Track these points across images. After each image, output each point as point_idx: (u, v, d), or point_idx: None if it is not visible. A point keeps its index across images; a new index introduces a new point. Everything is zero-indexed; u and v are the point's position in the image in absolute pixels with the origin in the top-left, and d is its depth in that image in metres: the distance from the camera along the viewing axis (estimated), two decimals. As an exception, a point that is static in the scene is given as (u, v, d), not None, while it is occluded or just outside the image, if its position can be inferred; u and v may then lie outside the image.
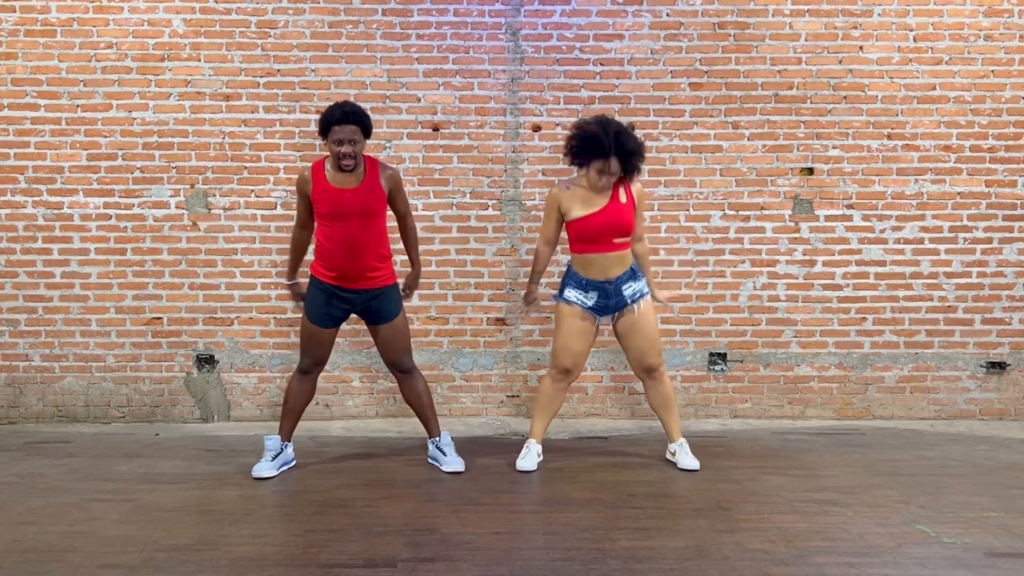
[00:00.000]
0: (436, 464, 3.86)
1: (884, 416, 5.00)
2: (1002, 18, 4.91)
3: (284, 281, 4.01)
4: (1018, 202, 4.97)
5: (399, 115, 4.86)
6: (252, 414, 4.92)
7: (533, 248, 4.90)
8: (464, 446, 4.20)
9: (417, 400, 3.89)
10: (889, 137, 4.94)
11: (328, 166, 3.63)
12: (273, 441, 3.75)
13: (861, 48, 4.92)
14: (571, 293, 3.82)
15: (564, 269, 3.94)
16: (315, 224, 3.73)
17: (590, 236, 3.70)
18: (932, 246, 4.97)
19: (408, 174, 4.87)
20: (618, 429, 4.74)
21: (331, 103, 3.76)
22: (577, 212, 3.70)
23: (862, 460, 4.01)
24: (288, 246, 3.97)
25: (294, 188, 3.88)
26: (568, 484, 3.60)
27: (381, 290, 3.72)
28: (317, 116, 4.80)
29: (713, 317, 4.98)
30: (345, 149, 3.50)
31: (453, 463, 3.78)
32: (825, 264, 4.97)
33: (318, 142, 4.83)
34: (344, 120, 3.50)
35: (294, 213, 4.81)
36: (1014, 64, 4.92)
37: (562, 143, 4.85)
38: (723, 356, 4.99)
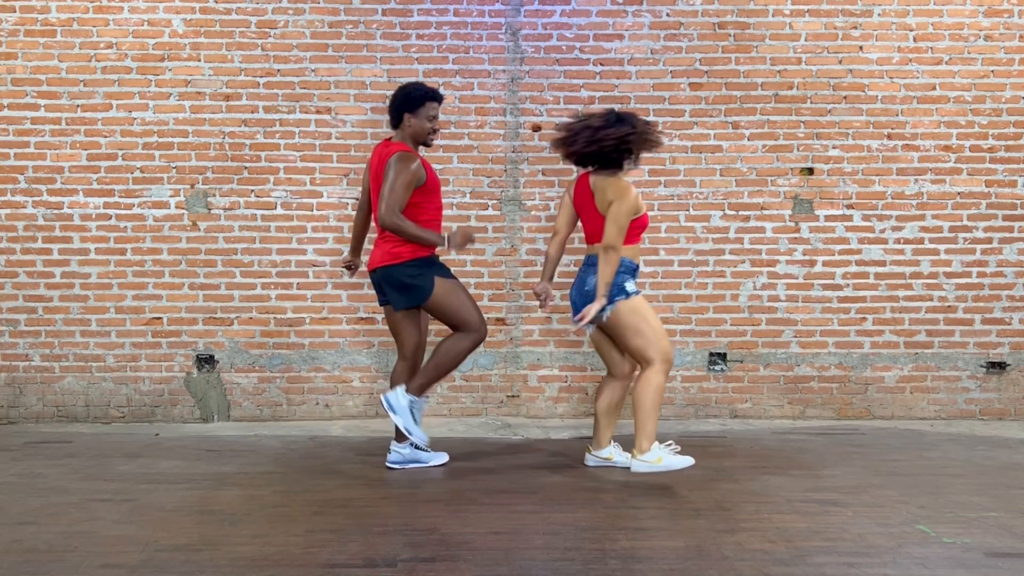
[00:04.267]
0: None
1: (884, 416, 5.00)
2: (1002, 18, 4.91)
3: (447, 235, 3.59)
4: (1018, 202, 4.97)
5: (399, 115, 4.86)
6: (252, 414, 4.92)
7: (534, 248, 4.92)
8: (464, 446, 4.20)
9: (435, 349, 3.74)
10: (889, 137, 4.94)
11: (408, 145, 3.61)
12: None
13: (861, 48, 4.92)
14: (631, 284, 3.58)
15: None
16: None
17: (644, 227, 3.69)
18: (932, 246, 4.97)
19: (408, 174, 4.88)
20: (618, 428, 4.73)
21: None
22: (643, 205, 3.65)
23: (862, 460, 4.01)
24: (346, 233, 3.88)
25: (407, 170, 3.45)
26: (568, 484, 3.60)
27: None
28: (317, 116, 4.83)
29: (713, 317, 4.98)
30: (436, 125, 3.61)
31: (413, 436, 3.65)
32: (825, 264, 4.97)
33: (319, 142, 4.84)
34: (438, 99, 3.59)
35: (294, 214, 4.85)
36: (1014, 64, 4.92)
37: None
38: (723, 356, 4.99)
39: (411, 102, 3.54)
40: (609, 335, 3.68)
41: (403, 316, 3.67)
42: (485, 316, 4.90)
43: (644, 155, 3.66)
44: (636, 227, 3.60)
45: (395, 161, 3.49)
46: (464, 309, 3.58)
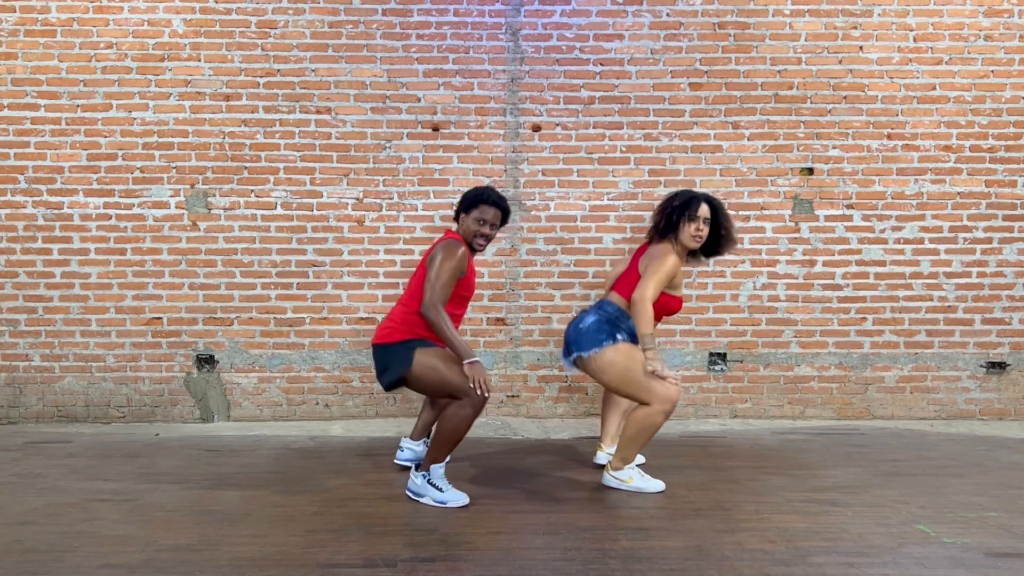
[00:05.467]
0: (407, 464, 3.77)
1: (884, 416, 5.00)
2: (1002, 18, 4.91)
3: (473, 360, 3.26)
4: (1018, 202, 4.97)
5: (399, 115, 4.86)
6: (252, 414, 4.92)
7: (534, 248, 4.92)
8: (464, 446, 4.19)
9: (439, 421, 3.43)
10: (889, 137, 4.94)
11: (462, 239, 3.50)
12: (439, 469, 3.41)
13: (861, 48, 4.92)
14: (621, 334, 3.48)
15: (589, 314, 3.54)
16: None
17: (672, 312, 3.59)
18: (932, 246, 4.97)
19: (408, 174, 4.88)
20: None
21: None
22: (679, 291, 3.56)
23: (862, 460, 4.01)
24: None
25: (453, 257, 3.35)
26: (568, 484, 3.60)
27: None
28: (317, 116, 4.83)
29: (713, 317, 4.98)
30: (486, 231, 3.47)
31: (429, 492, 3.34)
32: (825, 264, 4.97)
33: (319, 142, 4.84)
34: (495, 204, 3.48)
35: (294, 214, 4.86)
36: (1014, 64, 4.92)
37: (563, 143, 4.89)
38: (723, 356, 4.99)
39: (465, 202, 3.50)
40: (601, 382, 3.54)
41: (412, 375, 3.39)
42: (485, 316, 4.94)
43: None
44: (661, 303, 3.48)
45: (442, 248, 3.38)
46: (450, 379, 3.28)
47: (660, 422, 3.41)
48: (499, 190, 4.84)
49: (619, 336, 3.45)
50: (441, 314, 3.26)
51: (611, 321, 3.48)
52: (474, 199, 3.48)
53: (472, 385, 3.21)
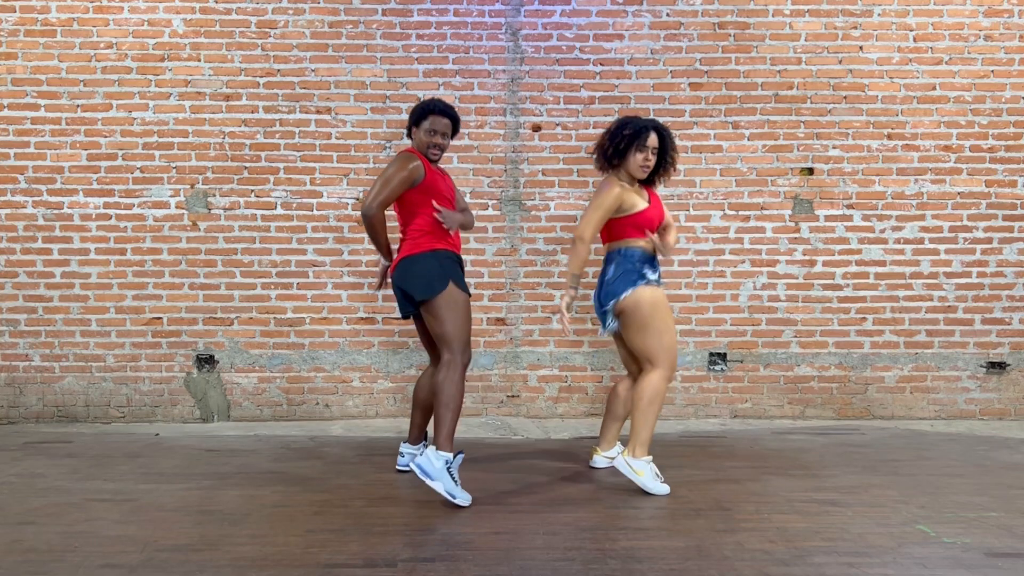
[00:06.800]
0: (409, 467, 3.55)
1: (884, 416, 5.00)
2: (1002, 18, 4.91)
3: (385, 263, 3.61)
4: (1018, 202, 4.97)
5: (399, 115, 4.86)
6: (252, 414, 4.92)
7: (534, 248, 4.92)
8: (464, 446, 4.19)
9: (428, 393, 3.57)
10: (889, 137, 4.94)
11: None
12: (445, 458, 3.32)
13: (861, 48, 4.92)
14: (649, 272, 3.48)
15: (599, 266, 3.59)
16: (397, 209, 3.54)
17: (648, 226, 3.53)
18: (932, 246, 4.97)
19: (408, 174, 4.88)
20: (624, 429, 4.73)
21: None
22: (641, 205, 3.50)
23: (862, 460, 4.01)
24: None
25: (401, 170, 3.40)
26: (568, 484, 3.60)
27: None
28: (317, 116, 4.83)
29: (713, 317, 4.98)
30: (438, 140, 3.55)
31: (437, 478, 3.24)
32: (825, 264, 4.97)
33: (319, 142, 4.84)
34: (444, 113, 3.56)
35: (294, 214, 4.86)
36: (1014, 64, 4.92)
37: (563, 143, 4.89)
38: (723, 356, 4.99)
39: (414, 115, 3.59)
40: (621, 330, 3.54)
41: (435, 308, 3.42)
42: (485, 316, 4.94)
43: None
44: (630, 223, 3.50)
45: (394, 159, 3.52)
46: (458, 326, 3.39)
47: (664, 389, 3.44)
48: (499, 190, 4.91)
49: (647, 272, 3.47)
50: (376, 216, 3.42)
51: (629, 264, 3.50)
52: (423, 111, 3.56)
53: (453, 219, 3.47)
